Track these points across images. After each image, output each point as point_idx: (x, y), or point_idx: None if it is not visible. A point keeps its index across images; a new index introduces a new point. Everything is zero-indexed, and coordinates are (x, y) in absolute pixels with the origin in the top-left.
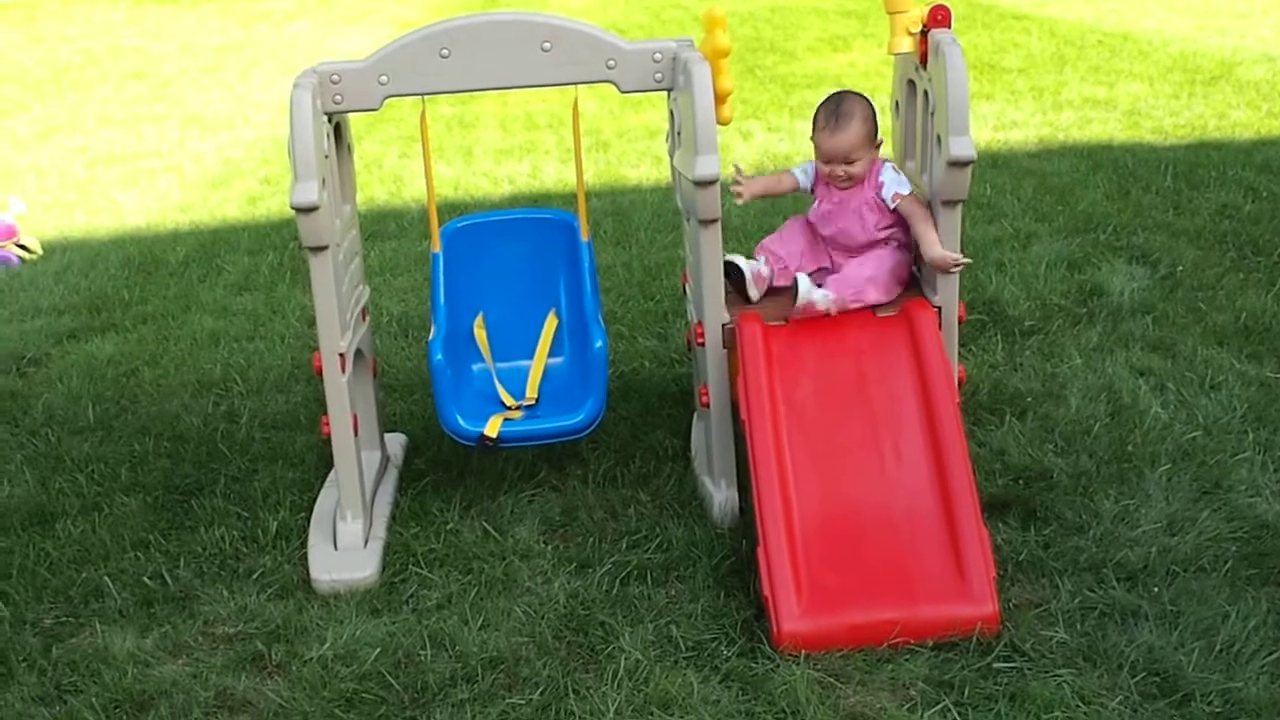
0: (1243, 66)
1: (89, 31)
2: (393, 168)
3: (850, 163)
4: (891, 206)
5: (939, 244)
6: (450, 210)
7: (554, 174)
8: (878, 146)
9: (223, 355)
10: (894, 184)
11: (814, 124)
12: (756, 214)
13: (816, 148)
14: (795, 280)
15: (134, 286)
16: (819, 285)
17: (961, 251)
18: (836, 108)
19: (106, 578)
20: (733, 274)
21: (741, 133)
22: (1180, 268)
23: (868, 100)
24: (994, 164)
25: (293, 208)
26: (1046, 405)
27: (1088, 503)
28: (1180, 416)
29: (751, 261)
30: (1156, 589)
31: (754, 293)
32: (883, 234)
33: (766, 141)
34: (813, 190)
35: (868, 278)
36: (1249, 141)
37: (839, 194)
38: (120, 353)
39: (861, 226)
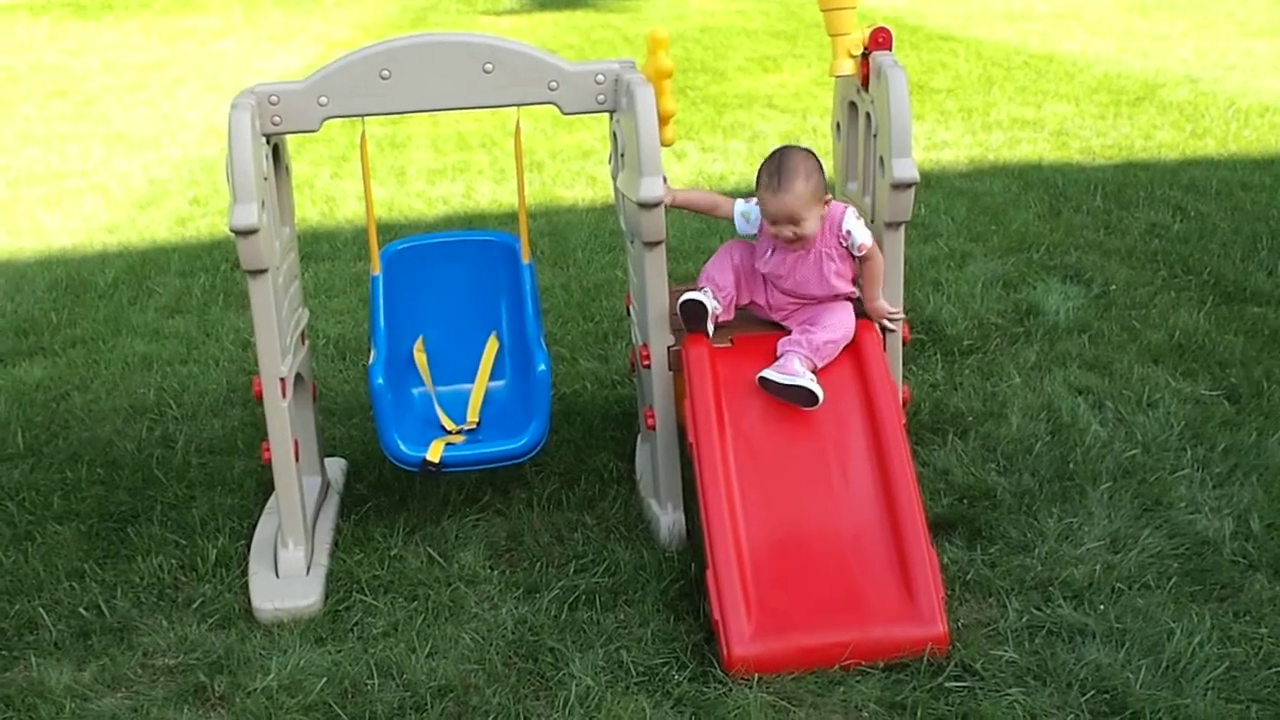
0: (1165, 88)
1: (9, 48)
2: (325, 188)
3: (798, 223)
4: (857, 255)
5: (882, 296)
6: (384, 232)
7: (488, 194)
8: (826, 203)
9: (155, 379)
10: (860, 234)
11: (757, 182)
12: (693, 234)
13: (761, 208)
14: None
15: (62, 309)
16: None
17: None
18: (779, 166)
19: (41, 609)
20: (690, 309)
21: (676, 153)
22: (1113, 287)
23: (811, 154)
24: (927, 184)
25: (232, 230)
26: (988, 424)
27: (1032, 521)
28: (1119, 434)
29: (711, 301)
30: (1102, 607)
31: (710, 331)
32: (841, 285)
33: (701, 161)
34: (757, 236)
35: (825, 341)
36: (1174, 162)
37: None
38: (49, 377)
39: (820, 278)
